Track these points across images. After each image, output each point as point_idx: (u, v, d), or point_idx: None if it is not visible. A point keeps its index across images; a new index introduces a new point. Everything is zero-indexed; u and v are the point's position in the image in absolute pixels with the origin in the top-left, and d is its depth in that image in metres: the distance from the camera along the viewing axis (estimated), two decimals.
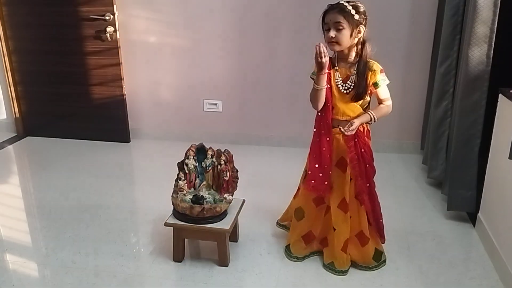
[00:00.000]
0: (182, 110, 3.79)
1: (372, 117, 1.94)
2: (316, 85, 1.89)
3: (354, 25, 1.82)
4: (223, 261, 2.13)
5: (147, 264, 2.17)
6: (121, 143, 3.84)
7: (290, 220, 2.29)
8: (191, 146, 2.16)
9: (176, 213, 2.11)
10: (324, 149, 1.98)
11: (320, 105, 1.94)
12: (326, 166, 1.99)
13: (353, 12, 1.81)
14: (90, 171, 3.27)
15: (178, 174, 2.15)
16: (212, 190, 2.18)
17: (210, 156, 2.15)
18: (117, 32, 3.53)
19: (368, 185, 2.05)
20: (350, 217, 2.08)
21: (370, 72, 1.90)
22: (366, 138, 2.02)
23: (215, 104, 3.71)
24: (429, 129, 3.03)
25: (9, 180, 3.27)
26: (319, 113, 2.00)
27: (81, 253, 2.28)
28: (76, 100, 3.82)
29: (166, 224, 2.10)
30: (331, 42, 1.85)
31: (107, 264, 2.18)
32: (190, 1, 3.47)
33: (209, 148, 2.16)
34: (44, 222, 2.59)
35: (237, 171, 2.16)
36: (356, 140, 1.97)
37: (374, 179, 2.08)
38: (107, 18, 3.46)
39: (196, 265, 2.16)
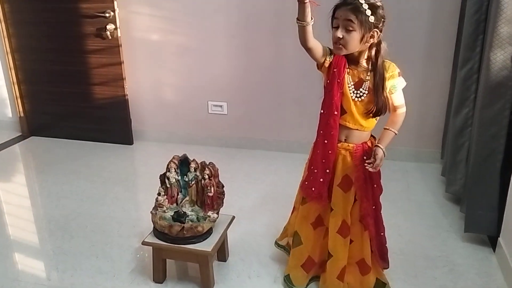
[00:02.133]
0: (186, 111, 3.61)
1: (394, 133, 1.71)
2: (299, 21, 1.52)
3: (367, 28, 1.54)
4: (206, 285, 1.94)
5: (125, 284, 2.00)
6: (124, 145, 3.70)
7: (288, 236, 2.05)
8: (173, 157, 1.97)
9: (156, 231, 1.93)
10: (318, 152, 1.73)
11: (310, 40, 1.57)
12: (316, 171, 1.75)
13: (368, 12, 1.52)
14: (87, 176, 3.14)
15: (158, 188, 1.96)
16: (196, 206, 1.99)
17: (193, 169, 1.95)
18: (118, 29, 3.37)
19: (374, 207, 1.81)
20: (352, 241, 1.84)
21: (387, 79, 1.65)
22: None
23: (220, 106, 3.52)
24: (448, 138, 2.75)
25: (5, 181, 3.18)
26: (321, 112, 1.71)
27: (59, 268, 2.13)
28: (78, 100, 3.71)
29: (144, 243, 1.92)
30: (337, 44, 1.59)
31: (84, 282, 2.02)
32: None
33: (192, 160, 1.97)
34: (27, 231, 2.46)
35: (222, 186, 1.96)
36: (365, 157, 1.73)
37: (380, 199, 1.84)
38: (107, 15, 3.31)
39: (177, 287, 1.98)
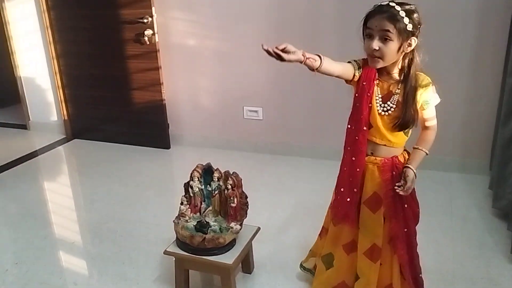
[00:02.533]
0: (222, 116, 3.59)
1: (425, 153, 1.58)
2: (311, 71, 1.43)
3: (405, 37, 1.42)
4: None
5: None
6: (161, 149, 3.73)
7: (315, 257, 1.92)
8: (197, 166, 1.93)
9: (178, 241, 1.90)
10: (345, 170, 1.64)
11: (335, 71, 1.48)
12: (342, 190, 1.64)
13: (406, 20, 1.39)
14: (121, 179, 3.18)
15: (181, 197, 1.93)
16: (219, 216, 1.94)
17: (216, 179, 1.90)
18: (156, 35, 3.40)
19: (405, 230, 1.64)
20: (381, 264, 1.69)
21: (419, 92, 1.50)
22: None
23: (256, 111, 3.46)
24: (497, 149, 2.54)
25: (48, 181, 3.28)
26: (348, 127, 1.62)
27: (86, 273, 2.15)
28: (117, 104, 3.78)
29: (166, 253, 1.89)
30: (373, 56, 1.46)
31: None
32: (230, 2, 3.24)
33: (215, 170, 1.91)
34: (58, 235, 2.51)
35: (246, 197, 1.90)
36: (394, 172, 1.59)
37: (414, 224, 1.69)
38: (146, 20, 3.34)
39: None
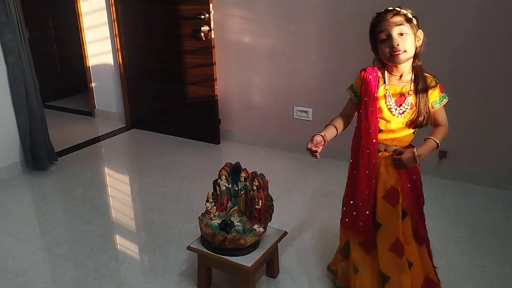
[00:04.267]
0: (272, 115, 3.56)
1: (437, 143, 1.58)
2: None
3: (415, 29, 1.51)
4: None
5: (172, 286, 2.01)
6: (211, 144, 3.78)
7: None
8: (225, 164, 1.92)
9: (202, 238, 1.90)
10: (361, 183, 1.60)
11: (345, 125, 1.73)
12: (360, 204, 1.62)
13: (409, 15, 1.51)
14: (169, 170, 3.27)
15: (207, 195, 1.93)
16: (244, 217, 1.92)
17: (243, 179, 1.88)
18: (212, 31, 3.44)
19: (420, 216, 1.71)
20: (411, 264, 1.65)
21: (429, 92, 1.56)
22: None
23: (306, 111, 3.39)
24: None
25: (100, 168, 3.46)
26: (355, 142, 1.63)
27: (118, 260, 2.23)
28: (173, 97, 3.88)
29: (188, 248, 1.91)
30: (396, 52, 1.49)
31: (135, 277, 2.09)
32: (287, 0, 3.19)
33: (243, 170, 1.89)
34: (100, 219, 2.62)
35: (271, 200, 1.85)
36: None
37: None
38: (203, 17, 3.39)
39: None
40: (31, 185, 3.11)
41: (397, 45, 1.48)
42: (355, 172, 1.63)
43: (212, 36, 3.46)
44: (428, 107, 1.56)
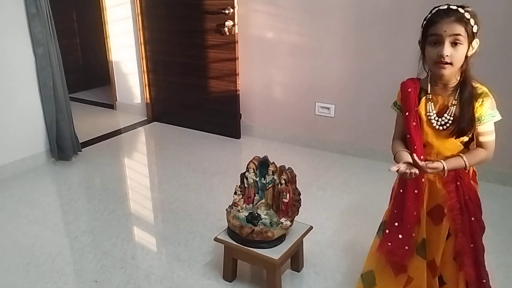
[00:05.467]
0: (293, 111, 3.57)
1: (465, 163, 1.43)
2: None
3: (472, 39, 1.36)
4: None
5: (197, 276, 2.04)
6: (232, 138, 3.80)
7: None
8: (254, 158, 1.94)
9: (229, 230, 1.93)
10: (408, 204, 1.51)
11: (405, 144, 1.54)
12: (409, 226, 1.52)
13: (472, 22, 1.34)
14: (191, 164, 3.30)
15: (236, 187, 1.96)
16: (271, 210, 1.93)
17: (271, 172, 1.89)
18: (236, 26, 3.46)
19: (472, 245, 1.52)
20: (444, 284, 1.59)
21: (477, 102, 1.40)
22: (471, 181, 1.51)
23: (328, 108, 3.39)
24: None
25: (122, 160, 3.51)
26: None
27: (144, 249, 2.27)
28: (195, 91, 3.91)
29: (216, 239, 1.93)
30: (441, 63, 1.36)
31: (161, 266, 2.12)
32: None
33: (271, 163, 1.91)
34: (125, 210, 2.66)
35: (299, 194, 1.87)
36: (458, 183, 1.48)
37: (482, 239, 1.54)
38: (227, 11, 3.41)
39: None
40: (56, 174, 3.17)
41: (447, 56, 1.34)
42: (401, 191, 1.53)
43: (236, 31, 3.48)
44: (473, 117, 1.41)
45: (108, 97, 4.82)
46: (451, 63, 1.36)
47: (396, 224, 1.54)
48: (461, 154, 1.45)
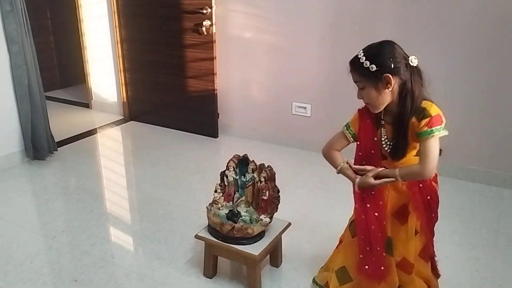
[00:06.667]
0: (271, 110, 3.62)
1: (396, 177, 1.49)
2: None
3: (375, 79, 1.44)
4: None
5: (178, 273, 2.07)
6: (209, 137, 3.83)
7: (329, 272, 1.83)
8: (234, 156, 1.98)
9: (209, 227, 1.96)
10: (373, 227, 1.56)
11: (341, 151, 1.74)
12: (378, 249, 1.57)
13: (367, 64, 1.43)
14: (169, 163, 3.31)
15: (216, 185, 1.99)
16: (251, 207, 1.98)
17: (251, 170, 1.94)
18: (213, 26, 3.48)
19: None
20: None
21: (415, 118, 1.45)
22: (433, 182, 1.62)
23: (304, 107, 3.46)
24: None
25: (99, 159, 3.49)
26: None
27: (124, 248, 2.27)
28: (172, 90, 3.91)
29: (196, 237, 1.96)
30: (366, 104, 1.54)
31: (141, 264, 2.14)
32: None
33: (251, 161, 1.95)
34: (103, 209, 2.66)
35: (278, 191, 1.92)
36: (421, 185, 1.57)
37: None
38: (205, 11, 3.43)
39: (225, 285, 1.99)
40: (31, 174, 3.13)
41: (361, 99, 1.51)
42: (363, 216, 1.58)
43: (214, 30, 3.50)
44: (406, 136, 1.48)
45: (83, 96, 4.77)
46: (369, 104, 1.51)
47: (368, 248, 1.59)
48: (398, 169, 1.50)
